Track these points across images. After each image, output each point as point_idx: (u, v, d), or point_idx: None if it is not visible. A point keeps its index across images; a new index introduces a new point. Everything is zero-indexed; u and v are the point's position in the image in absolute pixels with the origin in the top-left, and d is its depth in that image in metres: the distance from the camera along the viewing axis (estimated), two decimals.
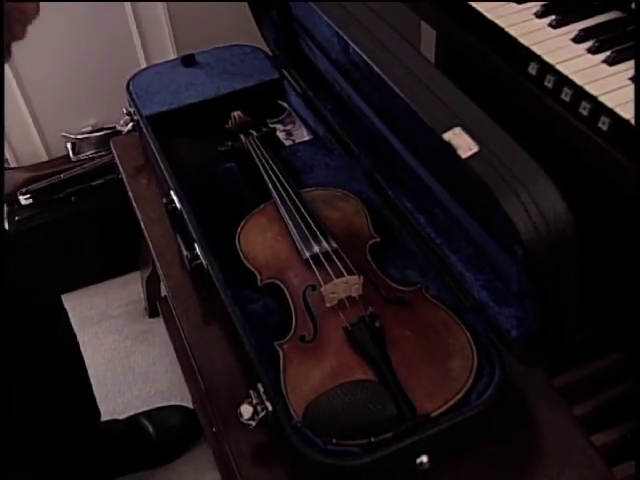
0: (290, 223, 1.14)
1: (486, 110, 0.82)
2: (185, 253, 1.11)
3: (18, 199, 1.86)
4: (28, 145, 2.05)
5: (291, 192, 1.19)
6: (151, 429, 1.61)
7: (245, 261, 1.11)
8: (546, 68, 1.09)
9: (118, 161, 1.46)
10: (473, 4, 1.23)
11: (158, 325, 1.90)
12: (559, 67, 1.07)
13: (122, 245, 1.87)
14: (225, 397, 0.99)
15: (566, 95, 1.06)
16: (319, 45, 1.32)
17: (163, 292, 1.79)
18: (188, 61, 1.54)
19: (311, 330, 0.99)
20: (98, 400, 1.51)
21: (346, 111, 1.32)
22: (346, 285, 1.01)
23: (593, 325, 1.48)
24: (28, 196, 1.85)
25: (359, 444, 0.84)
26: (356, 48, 0.95)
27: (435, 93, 0.84)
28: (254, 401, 0.88)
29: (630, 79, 1.03)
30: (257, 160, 1.28)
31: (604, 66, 1.06)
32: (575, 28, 1.14)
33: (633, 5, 1.14)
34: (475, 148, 0.76)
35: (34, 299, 1.17)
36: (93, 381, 1.79)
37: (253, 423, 0.87)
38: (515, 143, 0.77)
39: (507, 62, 1.17)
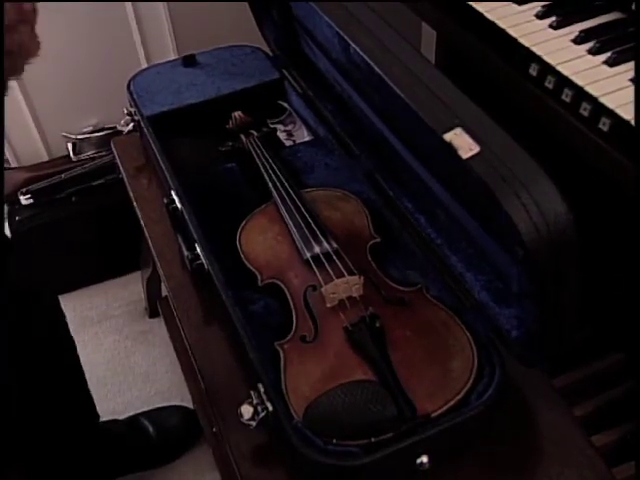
0: (291, 223, 1.14)
1: (487, 111, 0.82)
2: (186, 253, 1.11)
3: (18, 199, 1.86)
4: (29, 145, 2.05)
5: (292, 192, 1.19)
6: (151, 429, 1.61)
7: (246, 261, 1.11)
8: (547, 69, 1.09)
9: (119, 161, 1.46)
10: (473, 5, 1.23)
11: (158, 325, 1.90)
12: (560, 68, 1.07)
13: (122, 245, 1.87)
14: (225, 397, 0.99)
15: (567, 96, 1.06)
16: (320, 45, 1.32)
17: (163, 292, 1.79)
18: (189, 61, 1.54)
19: (312, 330, 0.99)
20: (98, 400, 1.51)
21: (347, 111, 1.32)
22: (347, 285, 1.01)
23: (593, 325, 1.48)
24: (28, 196, 1.86)
25: (359, 444, 0.84)
26: (357, 48, 0.95)
27: (436, 93, 0.85)
28: (254, 401, 0.88)
29: (630, 80, 1.03)
30: (258, 160, 1.28)
31: (605, 67, 1.06)
32: (576, 29, 1.14)
33: (634, 6, 1.15)
34: (476, 148, 0.77)
35: (34, 300, 1.17)
36: (93, 381, 1.79)
37: (253, 423, 0.87)
38: (516, 144, 0.77)
39: (507, 63, 1.17)
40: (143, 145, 1.45)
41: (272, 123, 1.48)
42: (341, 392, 0.88)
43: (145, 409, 1.67)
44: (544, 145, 0.99)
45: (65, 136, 2.04)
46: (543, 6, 1.20)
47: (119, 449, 1.58)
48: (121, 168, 1.44)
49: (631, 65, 1.06)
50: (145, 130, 1.34)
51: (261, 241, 1.15)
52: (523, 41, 1.13)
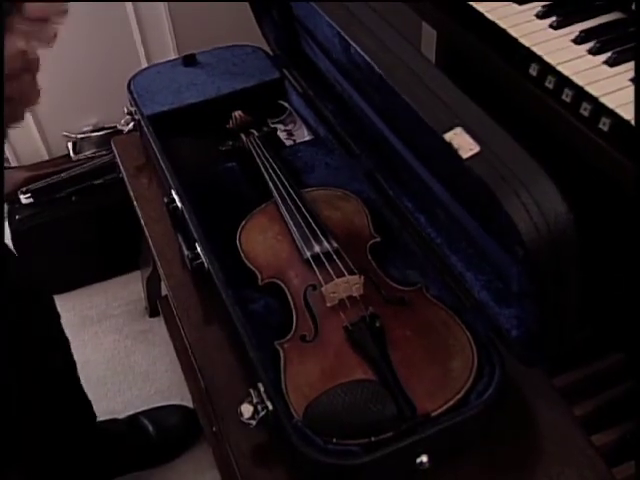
0: (291, 223, 1.14)
1: (487, 111, 0.82)
2: (186, 252, 1.11)
3: (19, 198, 1.86)
4: (29, 144, 2.05)
5: (292, 192, 1.19)
6: (151, 428, 1.61)
7: (246, 260, 1.12)
8: (547, 69, 1.09)
9: (119, 160, 1.46)
10: (474, 5, 1.23)
11: (158, 324, 1.91)
12: (560, 68, 1.07)
13: (122, 244, 1.87)
14: (225, 396, 0.99)
15: (567, 96, 1.06)
16: (320, 45, 1.32)
17: (163, 291, 1.79)
18: (189, 61, 1.54)
19: (312, 330, 0.99)
20: (98, 399, 1.51)
21: (347, 111, 1.32)
22: (347, 285, 1.01)
23: (593, 325, 1.48)
24: (29, 195, 1.86)
25: (359, 443, 0.84)
26: (357, 48, 0.95)
27: (436, 93, 0.85)
28: (254, 400, 0.88)
29: (631, 80, 1.03)
30: (258, 160, 1.28)
31: (605, 67, 1.06)
32: (576, 29, 1.14)
33: (634, 6, 1.15)
34: (476, 148, 0.77)
35: (32, 299, 1.17)
36: (93, 380, 1.80)
37: (253, 422, 0.88)
38: (516, 143, 0.77)
39: (508, 63, 1.17)
40: (143, 144, 1.45)
41: (272, 123, 1.48)
42: (341, 391, 0.88)
43: (145, 408, 1.67)
44: (544, 145, 0.99)
45: (65, 135, 2.04)
46: (543, 6, 1.20)
47: (119, 448, 1.58)
48: (121, 167, 1.44)
49: (631, 65, 1.06)
50: (145, 129, 1.34)
51: (261, 240, 1.15)
52: (523, 41, 1.13)
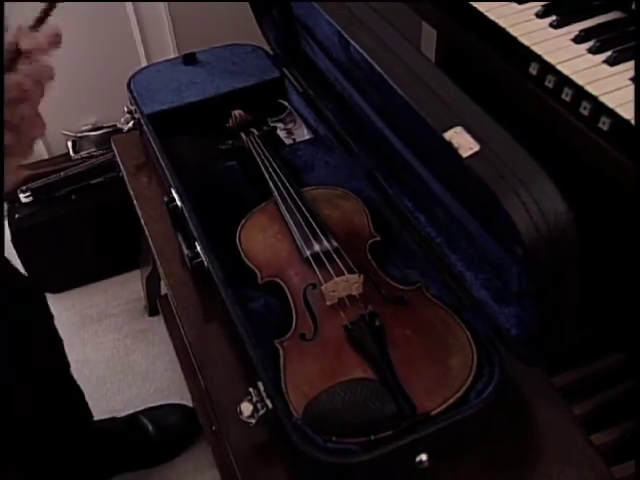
0: (291, 221, 1.14)
1: (487, 110, 0.82)
2: (186, 251, 1.11)
3: (18, 197, 1.86)
4: None
5: (292, 191, 1.19)
6: (150, 427, 1.61)
7: (245, 259, 1.12)
8: (547, 68, 1.09)
9: (119, 159, 1.46)
10: (474, 4, 1.23)
11: (158, 324, 1.91)
12: (560, 67, 1.07)
13: (122, 243, 1.87)
14: (225, 395, 0.99)
15: (567, 95, 1.06)
16: (320, 44, 1.32)
17: (163, 290, 1.79)
18: (189, 60, 1.54)
19: (311, 328, 0.99)
20: (97, 398, 1.51)
21: (347, 110, 1.32)
22: (346, 284, 1.01)
23: (593, 325, 1.48)
24: (28, 194, 1.85)
25: (359, 442, 0.84)
26: (357, 47, 0.95)
27: (436, 92, 0.85)
28: (254, 399, 0.88)
29: (630, 79, 1.03)
30: (258, 159, 1.28)
31: (605, 66, 1.06)
32: (576, 28, 1.14)
33: (634, 5, 1.15)
34: (476, 147, 0.77)
35: (23, 299, 1.17)
36: (93, 379, 1.80)
37: (253, 421, 0.87)
38: (516, 143, 0.77)
39: (508, 62, 1.17)
40: (143, 143, 1.45)
41: (272, 122, 1.48)
42: (341, 390, 0.88)
43: (144, 407, 1.67)
44: (544, 144, 0.99)
45: (65, 134, 2.04)
46: (543, 5, 1.20)
47: (118, 447, 1.58)
48: (121, 166, 1.44)
49: (631, 64, 1.06)
50: (145, 128, 1.34)
51: (261, 239, 1.15)
52: (523, 40, 1.13)
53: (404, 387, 0.90)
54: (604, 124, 1.00)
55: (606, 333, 1.48)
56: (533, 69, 1.12)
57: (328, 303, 1.01)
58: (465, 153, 0.77)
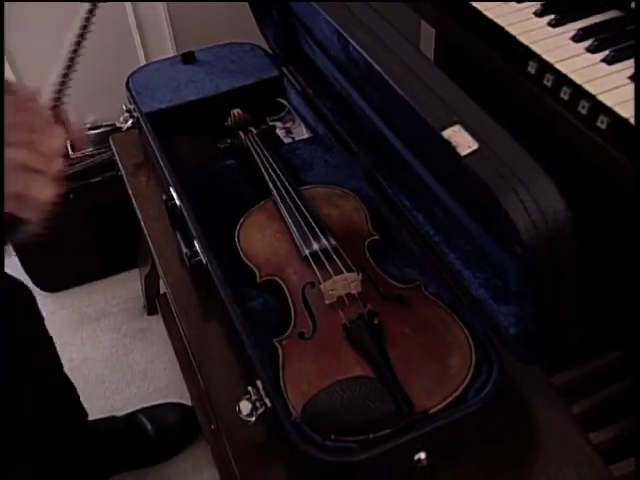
0: (289, 220, 1.14)
1: (485, 108, 0.82)
2: (184, 250, 1.11)
3: None
4: None
5: (290, 189, 1.19)
6: (149, 426, 1.61)
7: (244, 258, 1.12)
8: (545, 67, 1.09)
9: (117, 158, 1.46)
10: (473, 3, 1.23)
11: (157, 323, 1.91)
12: (558, 66, 1.07)
13: (121, 242, 1.87)
14: (224, 394, 0.99)
15: (565, 94, 1.06)
16: (319, 43, 1.32)
17: (162, 289, 1.79)
18: (188, 58, 1.54)
19: (310, 327, 0.99)
20: (96, 397, 1.51)
21: (346, 109, 1.32)
22: (345, 282, 1.02)
23: (591, 323, 1.48)
24: None
25: (357, 440, 0.84)
26: (356, 46, 0.95)
27: (435, 91, 0.85)
28: (253, 397, 0.88)
29: (629, 78, 1.03)
30: (256, 157, 1.28)
31: (603, 65, 1.07)
32: (574, 27, 1.15)
33: (632, 4, 1.15)
34: (474, 146, 0.77)
35: (10, 299, 1.17)
36: (91, 378, 1.80)
37: (252, 419, 0.88)
38: (514, 141, 0.77)
39: (506, 61, 1.18)
40: (142, 142, 1.45)
41: (271, 120, 1.48)
42: (339, 388, 0.88)
43: (143, 406, 1.67)
44: (543, 143, 0.99)
45: None
46: (542, 4, 1.20)
47: (117, 446, 1.58)
48: (120, 165, 1.44)
49: (629, 63, 1.06)
50: (144, 127, 1.34)
51: (260, 238, 1.15)
52: (522, 39, 1.13)
53: (403, 385, 0.90)
54: (602, 123, 1.00)
55: (604, 331, 1.48)
56: (532, 68, 1.12)
57: (327, 302, 1.01)
58: (464, 151, 0.77)
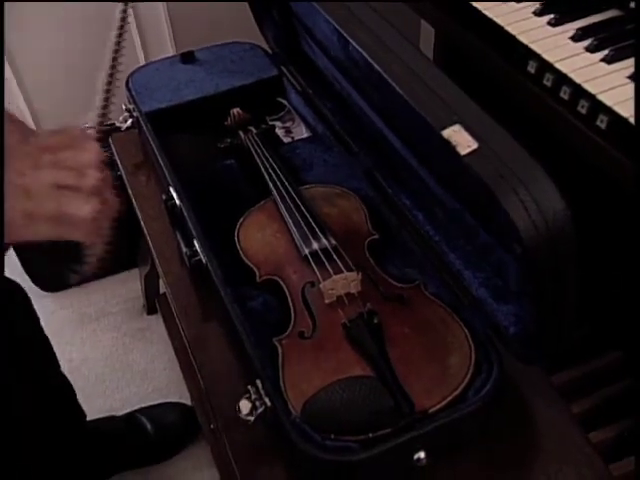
0: (289, 220, 1.14)
1: (485, 108, 0.82)
2: (184, 250, 1.11)
3: None
4: None
5: (290, 189, 1.19)
6: (149, 426, 1.61)
7: (244, 257, 1.12)
8: (545, 66, 1.09)
9: (117, 158, 1.45)
10: (473, 3, 1.23)
11: (156, 322, 1.91)
12: (558, 65, 1.07)
13: (120, 242, 1.86)
14: (224, 394, 0.99)
15: (565, 93, 1.06)
16: (319, 43, 1.32)
17: (162, 289, 1.79)
18: (187, 58, 1.54)
19: (310, 326, 0.99)
20: (96, 397, 1.50)
21: (346, 109, 1.32)
22: (345, 282, 1.02)
23: (591, 323, 1.48)
24: None
25: (357, 440, 0.84)
26: (356, 46, 0.95)
27: (434, 91, 0.85)
28: (253, 397, 0.88)
29: (629, 77, 1.03)
30: (256, 157, 1.28)
31: (602, 64, 1.07)
32: (573, 26, 1.15)
33: (632, 4, 1.15)
34: (474, 145, 0.77)
35: (8, 299, 1.17)
36: (91, 378, 1.80)
37: (252, 419, 0.88)
38: (514, 141, 0.77)
39: (506, 60, 1.18)
40: (142, 142, 1.45)
41: (271, 120, 1.48)
42: (339, 388, 0.88)
43: (143, 406, 1.67)
44: (542, 142, 0.99)
45: None
46: (541, 4, 1.20)
47: (117, 446, 1.58)
48: (119, 165, 1.44)
49: (629, 62, 1.06)
50: (144, 127, 1.34)
51: (260, 237, 1.15)
52: (521, 38, 1.13)
53: (402, 385, 0.90)
54: (602, 122, 1.00)
55: (604, 331, 1.48)
56: (531, 67, 1.12)
57: (327, 301, 1.01)
58: (463, 151, 0.77)
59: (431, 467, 0.86)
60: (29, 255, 1.89)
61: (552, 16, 1.17)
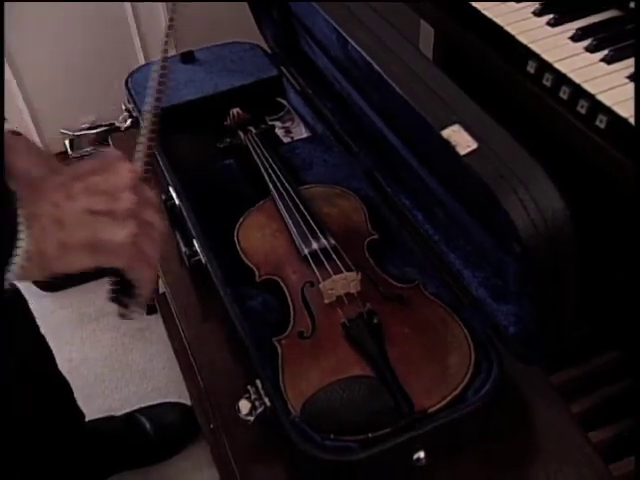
0: (289, 220, 1.14)
1: (485, 108, 0.82)
2: (184, 249, 1.11)
3: None
4: None
5: (290, 189, 1.19)
6: (148, 426, 1.61)
7: (244, 257, 1.11)
8: (544, 66, 1.09)
9: None
10: (473, 3, 1.23)
11: (156, 322, 1.90)
12: (557, 65, 1.07)
13: None
14: (223, 394, 0.99)
15: (564, 93, 1.06)
16: (318, 42, 1.32)
17: (161, 289, 1.79)
18: (187, 58, 1.54)
19: (309, 326, 0.99)
20: (95, 397, 1.50)
21: (345, 109, 1.32)
22: (344, 281, 1.02)
23: (591, 323, 1.48)
24: None
25: (357, 440, 0.84)
26: (355, 46, 0.95)
27: (434, 91, 0.85)
28: (252, 397, 0.88)
29: (628, 77, 1.03)
30: (256, 157, 1.28)
31: (602, 64, 1.07)
32: (573, 26, 1.15)
33: (632, 4, 1.15)
34: (474, 145, 0.77)
35: (15, 300, 1.17)
36: (91, 377, 1.80)
37: (251, 419, 0.88)
38: (514, 141, 0.77)
39: (506, 60, 1.18)
40: None
41: (270, 120, 1.48)
42: (339, 388, 0.88)
43: (142, 406, 1.67)
44: (542, 142, 0.99)
45: (63, 132, 2.04)
46: (541, 4, 1.20)
47: (116, 446, 1.58)
48: None
49: (628, 62, 1.06)
50: None
51: (259, 237, 1.15)
52: (521, 38, 1.14)
53: (402, 385, 0.90)
54: (601, 122, 1.00)
55: (604, 331, 1.48)
56: (531, 67, 1.12)
57: (326, 301, 1.01)
58: (463, 151, 0.77)
59: (431, 467, 0.86)
60: None
61: (552, 16, 1.17)
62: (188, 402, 1.63)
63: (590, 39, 1.10)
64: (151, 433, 1.61)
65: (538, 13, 1.19)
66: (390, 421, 0.85)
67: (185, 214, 1.12)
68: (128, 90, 1.46)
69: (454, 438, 0.90)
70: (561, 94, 1.06)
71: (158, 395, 1.75)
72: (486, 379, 0.90)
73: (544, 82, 1.09)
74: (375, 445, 0.83)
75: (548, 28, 1.16)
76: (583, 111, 1.03)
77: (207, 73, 1.50)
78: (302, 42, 1.45)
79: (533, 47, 1.11)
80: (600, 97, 1.00)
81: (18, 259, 0.63)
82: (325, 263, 1.06)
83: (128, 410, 1.65)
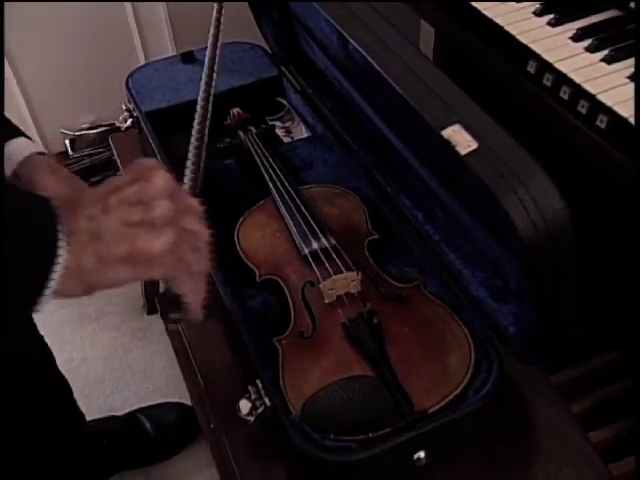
0: (289, 220, 1.14)
1: (485, 108, 0.82)
2: None
3: None
4: None
5: (290, 189, 1.19)
6: (149, 426, 1.61)
7: (244, 257, 1.11)
8: (545, 66, 1.09)
9: (117, 158, 1.46)
10: (473, 3, 1.23)
11: (156, 322, 1.91)
12: (558, 65, 1.07)
13: None
14: (223, 393, 1.00)
15: (565, 93, 1.06)
16: (318, 42, 1.32)
17: (161, 289, 1.79)
18: (187, 58, 1.54)
19: (309, 326, 0.99)
20: (95, 397, 1.50)
21: (345, 109, 1.32)
22: (344, 281, 1.02)
23: (591, 323, 1.48)
24: None
25: (357, 440, 0.84)
26: (355, 45, 0.95)
27: (434, 91, 0.85)
28: (253, 396, 0.88)
29: (628, 77, 1.03)
30: (256, 157, 1.28)
31: (602, 64, 1.07)
32: (574, 26, 1.15)
33: (632, 4, 1.15)
34: (474, 145, 0.77)
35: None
36: (91, 377, 1.80)
37: (251, 418, 0.88)
38: (514, 141, 0.77)
39: (506, 60, 1.18)
40: (141, 141, 1.45)
41: (270, 120, 1.48)
42: (339, 387, 0.88)
43: (143, 406, 1.67)
44: (542, 142, 0.99)
45: (63, 132, 2.04)
46: (541, 4, 1.20)
47: (116, 446, 1.58)
48: (119, 165, 1.44)
49: (628, 62, 1.06)
50: (143, 126, 1.34)
51: (259, 237, 1.15)
52: (521, 38, 1.14)
53: (402, 385, 0.90)
54: (602, 122, 1.00)
55: (604, 331, 1.48)
56: (531, 67, 1.12)
57: (326, 301, 1.01)
58: (463, 151, 0.77)
59: (431, 467, 0.86)
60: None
61: (552, 16, 1.17)
62: (188, 402, 1.63)
63: (590, 39, 1.11)
64: (151, 433, 1.61)
65: (538, 13, 1.19)
66: (390, 421, 0.85)
67: None
68: (128, 90, 1.46)
69: (454, 438, 0.90)
70: (561, 94, 1.07)
71: (158, 395, 1.76)
72: (486, 379, 0.90)
73: (544, 82, 1.10)
74: (375, 445, 0.83)
75: (548, 28, 1.16)
76: (583, 111, 1.03)
77: None
78: (302, 42, 1.45)
79: (533, 47, 1.11)
80: (600, 97, 1.00)
81: (57, 275, 0.62)
82: (325, 263, 1.06)
83: (128, 410, 1.65)
